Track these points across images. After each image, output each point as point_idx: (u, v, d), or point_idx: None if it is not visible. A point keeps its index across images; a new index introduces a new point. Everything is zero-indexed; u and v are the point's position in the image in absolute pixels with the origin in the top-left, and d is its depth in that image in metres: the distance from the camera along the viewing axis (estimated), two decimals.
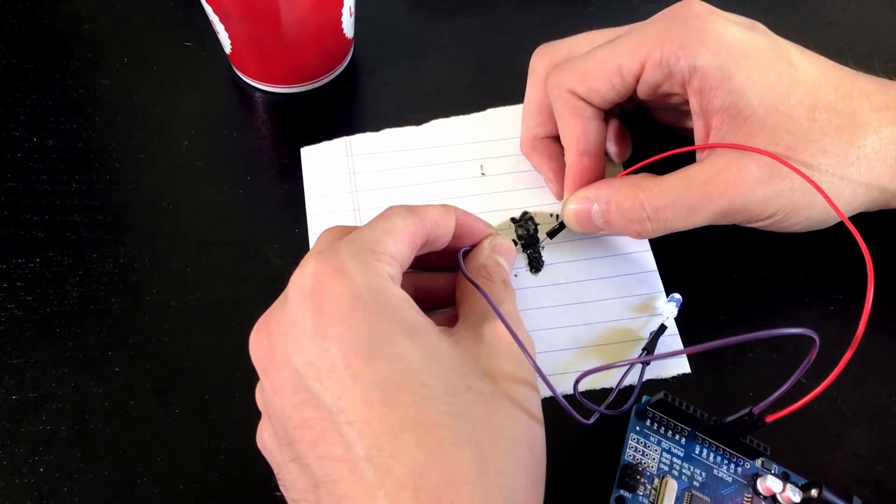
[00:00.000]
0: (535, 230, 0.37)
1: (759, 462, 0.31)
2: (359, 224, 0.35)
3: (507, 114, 0.41)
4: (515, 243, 0.37)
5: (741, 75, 0.31)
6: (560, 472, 0.28)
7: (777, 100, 0.31)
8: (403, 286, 0.27)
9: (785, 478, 0.30)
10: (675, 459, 0.30)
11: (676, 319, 0.35)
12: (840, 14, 0.45)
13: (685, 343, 0.35)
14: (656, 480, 0.29)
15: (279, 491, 0.27)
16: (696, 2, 0.32)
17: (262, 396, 0.27)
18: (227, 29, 0.38)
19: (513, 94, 0.40)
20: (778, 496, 0.29)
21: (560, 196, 0.37)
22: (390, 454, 0.23)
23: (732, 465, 0.30)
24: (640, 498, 0.29)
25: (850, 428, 0.33)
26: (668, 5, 0.33)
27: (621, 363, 0.32)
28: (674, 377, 0.34)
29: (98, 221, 0.38)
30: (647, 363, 0.33)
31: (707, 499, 0.29)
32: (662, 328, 0.34)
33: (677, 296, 0.35)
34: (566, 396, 0.28)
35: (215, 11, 0.37)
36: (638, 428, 0.30)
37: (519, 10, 0.45)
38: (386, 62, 0.43)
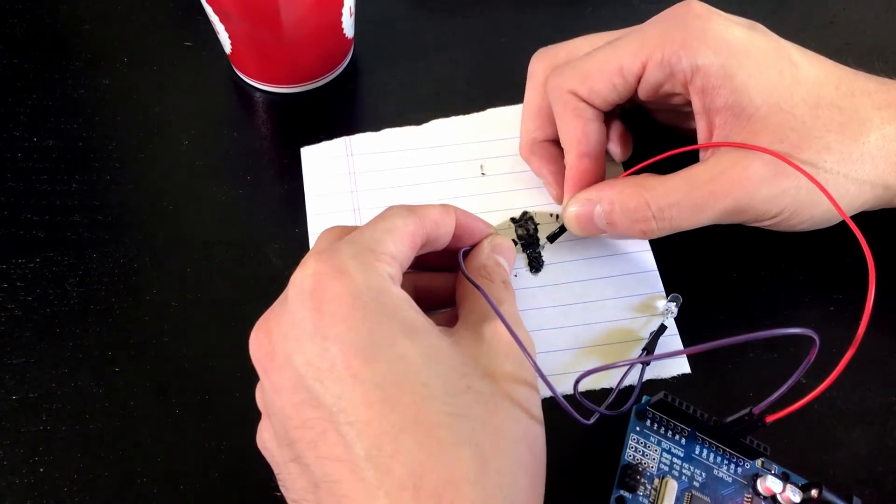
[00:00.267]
0: (535, 230, 0.37)
1: (759, 462, 0.31)
2: (359, 224, 0.35)
3: (507, 114, 0.41)
4: (515, 243, 0.37)
5: (743, 74, 0.31)
6: (560, 472, 0.28)
7: (780, 98, 0.31)
8: (403, 286, 0.27)
9: (785, 478, 0.30)
10: (675, 459, 0.30)
11: (676, 319, 0.35)
12: (840, 14, 0.45)
13: (685, 343, 0.35)
14: (656, 480, 0.29)
15: (279, 491, 0.27)
16: (696, 2, 0.32)
17: (262, 396, 0.27)
18: (227, 29, 0.38)
19: (513, 94, 0.40)
20: (778, 496, 0.29)
21: (559, 200, 0.37)
22: (390, 454, 0.23)
23: (732, 466, 0.30)
24: (640, 498, 0.29)
25: (850, 428, 0.33)
26: (668, 5, 0.33)
27: (621, 363, 0.32)
28: (674, 377, 0.34)
29: (98, 221, 0.38)
30: (647, 363, 0.33)
31: (707, 499, 0.29)
32: (662, 328, 0.34)
33: (677, 296, 0.35)
34: (566, 396, 0.28)
35: (215, 11, 0.37)
36: (638, 428, 0.30)
37: (519, 11, 0.45)
38: (386, 62, 0.43)
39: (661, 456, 0.30)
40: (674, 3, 0.33)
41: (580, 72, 0.33)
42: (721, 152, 0.32)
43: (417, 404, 0.24)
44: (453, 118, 0.41)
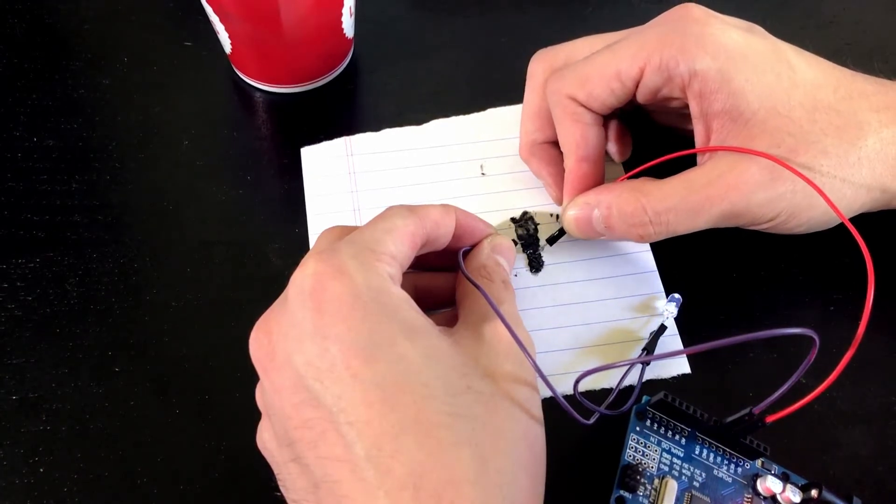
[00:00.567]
0: (535, 230, 0.37)
1: (759, 462, 0.31)
2: (359, 224, 0.35)
3: (507, 114, 0.41)
4: (515, 243, 0.37)
5: (740, 78, 0.31)
6: (560, 472, 0.28)
7: (777, 102, 0.31)
8: (403, 286, 0.27)
9: (785, 478, 0.30)
10: (675, 460, 0.30)
11: (676, 319, 0.35)
12: (840, 14, 0.45)
13: (685, 343, 0.35)
14: (656, 481, 0.29)
15: (279, 491, 0.27)
16: (694, 6, 0.33)
17: (262, 396, 0.27)
18: (227, 29, 0.38)
19: (513, 94, 0.40)
20: (778, 496, 0.29)
21: (559, 201, 0.37)
22: (390, 454, 0.23)
23: (732, 466, 0.30)
24: (640, 498, 0.29)
25: (850, 428, 0.33)
26: (668, 6, 0.33)
27: (621, 363, 0.32)
28: (674, 377, 0.34)
29: (98, 221, 0.38)
30: (647, 363, 0.33)
31: (707, 499, 0.29)
32: (662, 328, 0.34)
33: (677, 296, 0.35)
34: (566, 396, 0.28)
35: (215, 11, 0.37)
36: (638, 428, 0.30)
37: (519, 11, 0.45)
38: (386, 62, 0.43)
39: (661, 456, 0.30)
40: (674, 4, 0.33)
41: (578, 76, 0.33)
42: (718, 156, 0.32)
43: (417, 404, 0.24)
44: (453, 118, 0.41)
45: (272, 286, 0.29)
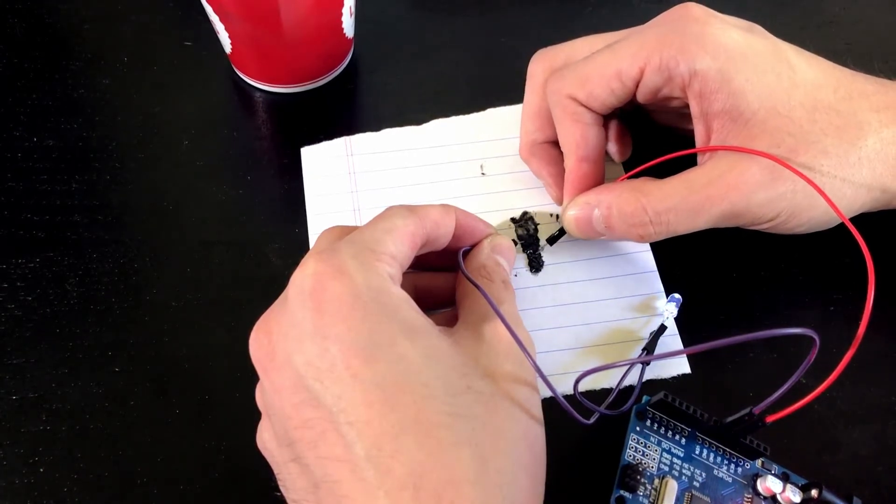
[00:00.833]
0: (535, 230, 0.37)
1: (759, 462, 0.31)
2: (359, 224, 0.35)
3: (507, 114, 0.41)
4: (515, 243, 0.37)
5: (741, 78, 0.31)
6: (560, 472, 0.28)
7: (777, 102, 0.31)
8: (403, 286, 0.27)
9: (785, 478, 0.30)
10: (675, 460, 0.30)
11: (676, 319, 0.35)
12: (840, 14, 0.45)
13: (685, 343, 0.35)
14: (656, 481, 0.29)
15: (279, 491, 0.27)
16: (694, 5, 0.32)
17: (262, 396, 0.27)
18: (227, 29, 0.38)
19: (513, 94, 0.40)
20: (778, 496, 0.29)
21: (559, 201, 0.37)
22: (390, 454, 0.23)
23: (732, 466, 0.30)
24: (640, 498, 0.29)
25: (850, 428, 0.33)
26: (668, 5, 0.33)
27: (621, 363, 0.32)
28: (674, 377, 0.34)
29: (98, 221, 0.38)
30: (647, 363, 0.33)
31: (707, 499, 0.29)
32: (662, 328, 0.34)
33: (677, 296, 0.35)
34: (566, 396, 0.28)
35: (215, 11, 0.37)
36: (638, 428, 0.30)
37: (519, 10, 0.45)
38: (386, 62, 0.43)
39: (661, 456, 0.30)
40: (674, 3, 0.33)
41: (579, 76, 0.33)
42: (718, 156, 0.32)
43: (417, 404, 0.24)
44: (453, 118, 0.41)
45: (272, 286, 0.29)
